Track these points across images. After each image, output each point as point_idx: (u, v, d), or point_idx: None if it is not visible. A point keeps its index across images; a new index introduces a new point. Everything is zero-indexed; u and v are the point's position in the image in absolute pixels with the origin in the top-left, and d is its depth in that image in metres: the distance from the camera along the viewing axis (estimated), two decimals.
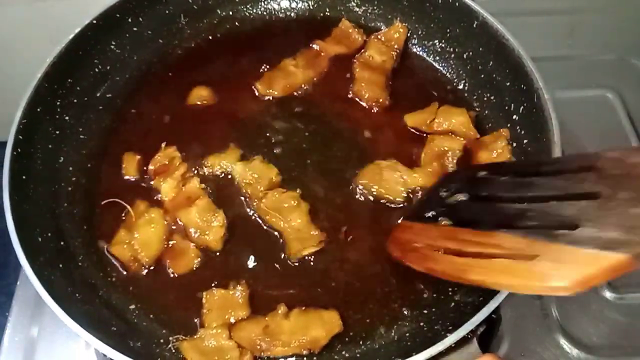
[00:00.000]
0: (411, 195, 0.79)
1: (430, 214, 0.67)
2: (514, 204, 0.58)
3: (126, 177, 0.83)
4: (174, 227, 0.78)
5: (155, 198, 0.80)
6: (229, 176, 0.82)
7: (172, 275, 0.76)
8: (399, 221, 0.75)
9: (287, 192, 0.79)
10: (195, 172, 0.82)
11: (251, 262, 0.77)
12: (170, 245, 0.77)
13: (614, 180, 0.51)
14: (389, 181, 0.80)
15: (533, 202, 0.56)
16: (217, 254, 0.77)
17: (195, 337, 0.71)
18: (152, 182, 0.81)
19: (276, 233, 0.78)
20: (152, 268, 0.76)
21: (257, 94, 0.90)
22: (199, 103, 0.90)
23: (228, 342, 0.70)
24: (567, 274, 0.47)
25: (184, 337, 0.71)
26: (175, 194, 0.80)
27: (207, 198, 0.79)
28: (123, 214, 0.79)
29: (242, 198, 0.80)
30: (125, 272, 0.76)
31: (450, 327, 0.64)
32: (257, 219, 0.79)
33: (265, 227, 0.79)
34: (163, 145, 0.84)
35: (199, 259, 0.76)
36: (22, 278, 0.83)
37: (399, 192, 0.79)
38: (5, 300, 0.83)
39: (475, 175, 0.67)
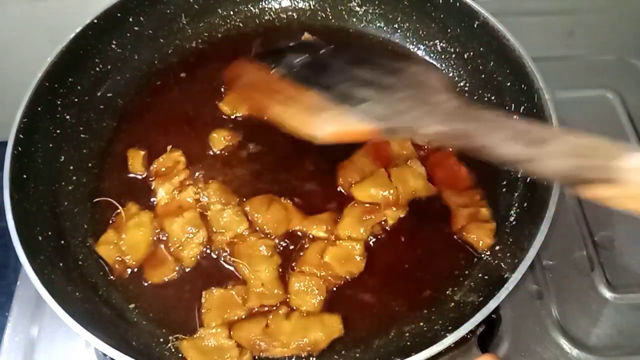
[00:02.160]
0: None
1: (267, 60, 0.75)
2: (335, 77, 0.69)
3: (131, 175, 0.83)
4: (160, 235, 0.78)
5: (151, 201, 0.80)
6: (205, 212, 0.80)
7: (145, 284, 0.75)
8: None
9: (264, 239, 0.77)
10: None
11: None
12: (152, 252, 0.77)
13: (404, 84, 0.64)
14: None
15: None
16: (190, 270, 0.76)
17: (195, 336, 0.71)
18: (152, 183, 0.81)
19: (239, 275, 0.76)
20: (136, 270, 0.76)
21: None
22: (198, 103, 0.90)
23: (228, 341, 0.70)
24: (327, 128, 0.62)
25: (183, 337, 0.71)
26: (169, 200, 0.79)
27: (196, 212, 0.78)
28: (114, 215, 0.79)
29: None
30: (110, 275, 0.76)
31: (450, 327, 0.64)
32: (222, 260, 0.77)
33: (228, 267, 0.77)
34: (169, 148, 0.84)
35: (175, 273, 0.76)
36: (22, 278, 0.83)
37: None
38: (5, 300, 0.83)
39: (318, 49, 0.75)
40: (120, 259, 0.76)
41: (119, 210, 0.79)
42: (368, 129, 0.61)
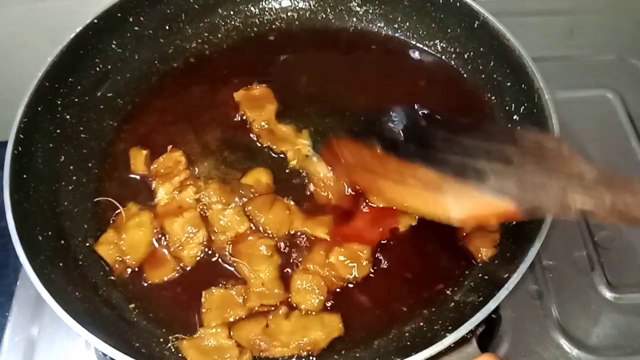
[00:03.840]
0: None
1: (366, 137, 0.72)
2: (441, 146, 0.66)
3: (131, 175, 0.83)
4: (160, 235, 0.77)
5: (151, 201, 0.80)
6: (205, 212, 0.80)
7: (145, 284, 0.75)
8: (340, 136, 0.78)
9: (264, 238, 0.77)
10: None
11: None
12: (152, 252, 0.77)
13: (528, 154, 0.60)
14: None
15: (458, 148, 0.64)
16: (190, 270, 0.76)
17: (195, 336, 0.71)
18: (152, 183, 0.81)
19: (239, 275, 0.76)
20: (136, 270, 0.76)
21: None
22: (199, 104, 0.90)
23: (227, 341, 0.70)
24: (463, 209, 0.58)
25: (183, 337, 0.71)
26: (169, 200, 0.79)
27: (196, 212, 0.78)
28: (114, 215, 0.79)
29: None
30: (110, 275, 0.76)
31: (450, 327, 0.64)
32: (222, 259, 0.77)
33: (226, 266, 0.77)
34: (169, 148, 0.84)
35: (175, 273, 0.76)
36: (22, 278, 0.83)
37: None
38: (5, 300, 0.83)
39: (416, 119, 0.72)
40: (120, 259, 0.76)
41: (119, 210, 0.79)
42: (507, 209, 0.55)
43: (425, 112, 0.72)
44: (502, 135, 0.64)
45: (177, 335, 0.71)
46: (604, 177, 0.54)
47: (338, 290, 0.74)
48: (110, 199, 0.80)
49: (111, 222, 0.79)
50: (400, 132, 0.69)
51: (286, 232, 0.78)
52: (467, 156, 0.61)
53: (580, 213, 0.54)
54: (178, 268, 0.76)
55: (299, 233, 0.78)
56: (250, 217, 0.78)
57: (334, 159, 0.74)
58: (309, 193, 0.81)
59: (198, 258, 0.77)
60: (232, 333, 0.70)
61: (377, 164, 0.66)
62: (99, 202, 0.81)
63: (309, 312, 0.72)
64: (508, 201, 0.55)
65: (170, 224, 0.77)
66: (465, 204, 0.58)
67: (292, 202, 0.80)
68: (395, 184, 0.63)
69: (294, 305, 0.73)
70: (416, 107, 0.75)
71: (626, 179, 0.54)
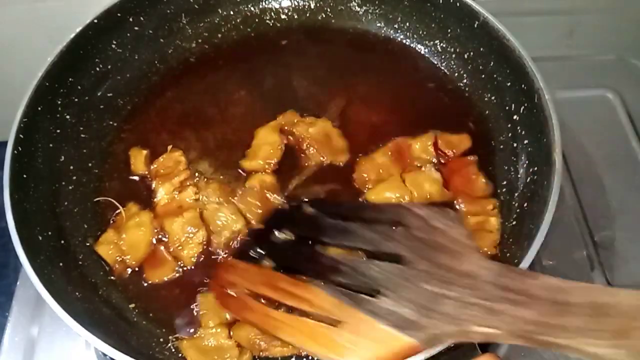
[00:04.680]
0: None
1: (255, 254, 0.69)
2: (330, 256, 0.62)
3: (131, 175, 0.83)
4: (160, 235, 0.77)
5: (151, 201, 0.80)
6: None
7: (145, 284, 0.75)
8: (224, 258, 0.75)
9: None
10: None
11: None
12: (152, 252, 0.77)
13: (417, 244, 0.57)
14: None
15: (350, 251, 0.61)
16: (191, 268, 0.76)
17: (195, 336, 0.71)
18: (152, 183, 0.81)
19: None
20: (136, 270, 0.76)
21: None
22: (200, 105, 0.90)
23: (227, 341, 0.70)
24: (362, 353, 0.52)
25: (183, 337, 0.71)
26: (169, 200, 0.79)
27: (196, 212, 0.78)
28: (114, 215, 0.79)
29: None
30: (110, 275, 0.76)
31: None
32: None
33: None
34: (169, 148, 0.84)
35: (175, 273, 0.76)
36: (22, 278, 0.83)
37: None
38: (5, 300, 0.83)
39: (302, 212, 0.70)
40: (120, 259, 0.76)
41: (118, 210, 0.79)
42: (408, 346, 0.52)
43: (308, 200, 0.71)
44: (387, 214, 0.62)
45: (177, 335, 0.71)
46: (503, 284, 0.51)
47: None
48: (110, 199, 0.80)
49: (111, 222, 0.79)
50: (288, 234, 0.67)
51: None
52: (360, 264, 0.58)
53: (483, 338, 0.51)
54: (177, 268, 0.76)
55: None
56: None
57: (221, 294, 0.69)
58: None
59: (198, 258, 0.76)
60: (231, 333, 0.70)
61: (268, 288, 0.62)
62: (99, 202, 0.81)
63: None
64: (407, 336, 0.52)
65: (170, 224, 0.77)
66: (362, 344, 0.53)
67: None
68: (289, 318, 0.60)
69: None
70: (301, 200, 0.75)
71: (524, 283, 0.50)
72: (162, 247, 0.77)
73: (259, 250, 0.69)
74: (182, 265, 0.76)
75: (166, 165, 0.82)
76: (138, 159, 0.83)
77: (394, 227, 0.61)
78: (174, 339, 0.71)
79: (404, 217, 0.61)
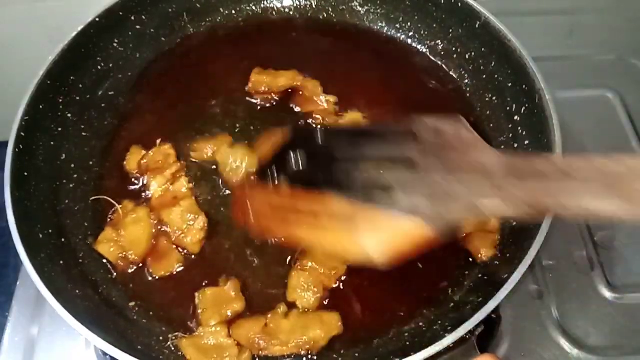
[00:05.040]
0: None
1: (271, 173, 0.69)
2: (343, 165, 0.62)
3: (130, 173, 0.83)
4: (160, 228, 0.77)
5: (145, 196, 0.80)
6: (213, 166, 0.82)
7: (151, 278, 0.75)
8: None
9: None
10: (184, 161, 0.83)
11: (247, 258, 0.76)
12: (154, 246, 0.77)
13: (427, 146, 0.57)
14: None
15: (362, 163, 0.60)
16: (196, 256, 0.77)
17: (194, 334, 0.71)
18: (144, 179, 0.81)
19: None
20: (140, 266, 0.76)
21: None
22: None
23: (227, 340, 0.70)
24: (380, 245, 0.53)
25: (183, 335, 0.71)
26: (163, 192, 0.79)
27: (192, 199, 0.78)
28: (111, 213, 0.79)
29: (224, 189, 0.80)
30: (114, 272, 0.76)
31: (449, 328, 0.64)
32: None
33: None
34: (158, 141, 0.83)
35: (181, 264, 0.76)
36: (22, 278, 0.83)
37: None
38: (5, 300, 0.83)
39: (313, 136, 0.69)
40: (123, 256, 0.76)
41: (115, 208, 0.79)
42: (423, 233, 0.52)
43: (322, 128, 0.71)
44: (399, 131, 0.61)
45: (176, 333, 0.71)
46: (511, 165, 0.52)
47: (335, 287, 0.74)
48: (106, 197, 0.80)
49: (109, 220, 0.79)
50: (303, 161, 0.67)
51: None
52: (371, 169, 0.58)
53: (497, 217, 0.52)
54: (180, 263, 0.76)
55: None
56: None
57: (244, 213, 0.69)
58: None
59: (203, 244, 0.77)
60: (231, 332, 0.70)
61: (288, 205, 0.63)
62: (99, 200, 0.81)
63: (306, 309, 0.72)
64: (422, 222, 0.52)
65: (168, 215, 0.77)
66: (381, 237, 0.54)
67: None
68: (311, 229, 0.59)
69: (290, 302, 0.73)
70: (312, 126, 0.75)
71: (532, 162, 0.51)
72: (164, 240, 0.77)
73: (275, 170, 0.69)
74: (187, 254, 0.76)
75: (156, 160, 0.82)
76: (134, 156, 0.83)
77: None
78: (174, 337, 0.71)
79: (413, 127, 0.60)
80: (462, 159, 0.54)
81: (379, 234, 0.54)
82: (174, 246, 0.77)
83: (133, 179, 0.82)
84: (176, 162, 0.82)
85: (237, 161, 0.80)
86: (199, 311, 0.72)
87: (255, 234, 0.71)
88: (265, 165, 0.72)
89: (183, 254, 0.77)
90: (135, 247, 0.76)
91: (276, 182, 0.67)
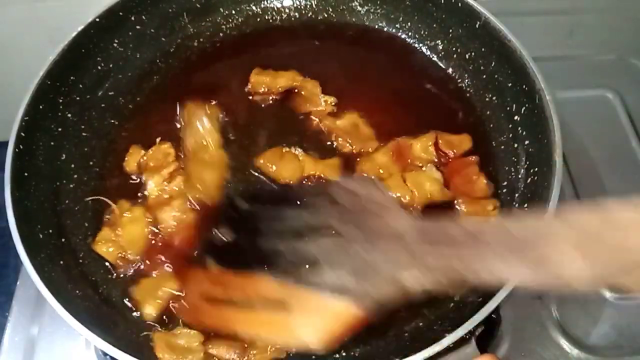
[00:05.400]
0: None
1: (198, 254, 0.69)
2: (269, 241, 0.61)
3: (129, 173, 0.83)
4: (154, 227, 0.77)
5: (142, 195, 0.80)
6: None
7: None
8: None
9: None
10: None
11: None
12: (151, 244, 0.76)
13: (345, 213, 0.57)
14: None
15: (286, 235, 0.59)
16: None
17: (171, 332, 0.70)
18: (142, 177, 0.81)
19: None
20: (141, 266, 0.76)
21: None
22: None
23: (198, 345, 0.69)
24: (314, 330, 0.52)
25: (160, 329, 0.71)
26: (159, 192, 0.79)
27: (183, 199, 0.78)
28: (108, 212, 0.79)
29: None
30: (114, 272, 0.76)
31: (449, 328, 0.64)
32: None
33: None
34: (158, 140, 0.83)
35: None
36: (22, 278, 0.83)
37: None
38: (5, 300, 0.83)
39: (236, 208, 0.69)
40: (122, 255, 0.76)
41: (111, 208, 0.79)
42: (352, 313, 0.51)
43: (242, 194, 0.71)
44: (316, 194, 0.61)
45: (156, 325, 0.71)
46: (423, 230, 0.51)
47: None
48: (102, 197, 0.80)
49: (106, 220, 0.79)
50: (227, 232, 0.66)
51: (300, 177, 0.79)
52: (295, 241, 0.57)
53: (419, 291, 0.50)
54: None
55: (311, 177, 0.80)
56: (262, 170, 0.81)
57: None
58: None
59: None
60: (210, 345, 0.69)
61: (216, 287, 0.62)
62: (99, 200, 0.81)
63: None
64: (350, 303, 0.51)
65: (162, 214, 0.77)
66: (315, 324, 0.52)
67: (301, 151, 0.82)
68: (243, 314, 0.58)
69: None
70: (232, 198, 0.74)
71: (442, 226, 0.51)
72: (160, 238, 0.76)
73: (202, 252, 0.69)
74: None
75: (155, 158, 0.82)
76: (133, 156, 0.83)
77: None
78: (154, 329, 0.71)
79: (330, 192, 0.61)
80: (379, 224, 0.54)
81: (313, 320, 0.53)
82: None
83: (133, 179, 0.83)
84: (175, 161, 0.82)
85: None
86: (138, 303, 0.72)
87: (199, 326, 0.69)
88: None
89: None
90: (132, 245, 0.76)
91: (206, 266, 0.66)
